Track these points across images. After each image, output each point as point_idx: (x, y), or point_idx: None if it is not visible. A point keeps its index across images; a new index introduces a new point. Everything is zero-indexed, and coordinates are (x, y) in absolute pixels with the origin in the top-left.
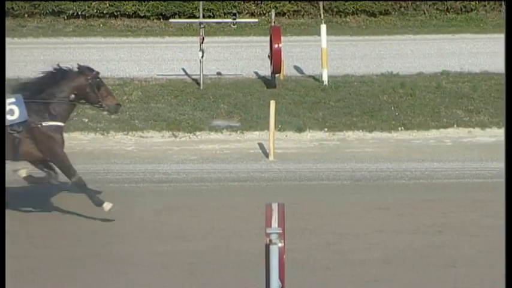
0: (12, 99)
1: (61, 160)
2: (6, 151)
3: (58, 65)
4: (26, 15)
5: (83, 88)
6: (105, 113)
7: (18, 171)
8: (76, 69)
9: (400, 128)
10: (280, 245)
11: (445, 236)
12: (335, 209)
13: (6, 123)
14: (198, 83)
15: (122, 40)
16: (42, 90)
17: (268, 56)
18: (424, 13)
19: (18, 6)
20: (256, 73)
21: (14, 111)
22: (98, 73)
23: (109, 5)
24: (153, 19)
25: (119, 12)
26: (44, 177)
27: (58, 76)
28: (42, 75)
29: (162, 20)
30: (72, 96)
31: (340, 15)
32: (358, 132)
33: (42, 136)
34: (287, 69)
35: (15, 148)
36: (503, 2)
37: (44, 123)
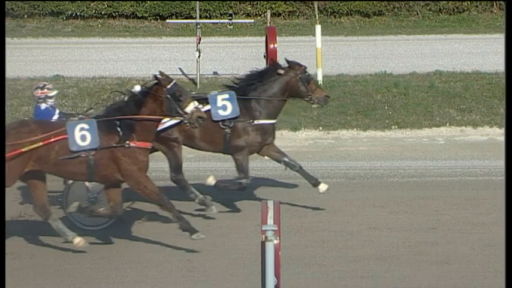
0: (226, 95)
1: (242, 159)
2: (215, 145)
3: (272, 60)
4: (25, 16)
5: (293, 83)
6: (315, 106)
7: (207, 180)
8: (285, 65)
9: (393, 127)
10: (275, 241)
11: (438, 233)
12: (330, 207)
13: (218, 118)
14: (195, 83)
15: (120, 40)
16: (254, 87)
17: (264, 56)
18: (417, 14)
19: (18, 7)
20: None
21: (226, 107)
22: (305, 67)
23: (107, 5)
24: (150, 19)
25: (117, 13)
26: (233, 183)
27: (268, 72)
28: (252, 71)
29: (159, 20)
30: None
31: (335, 16)
32: (352, 131)
33: (251, 132)
34: None
35: (226, 143)
36: (494, 3)
37: (255, 121)
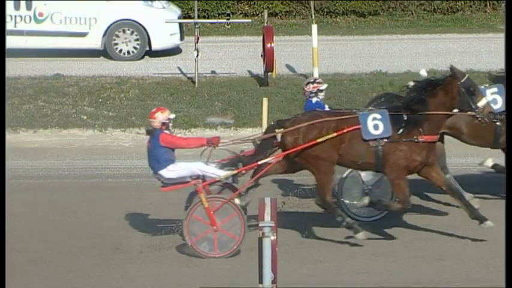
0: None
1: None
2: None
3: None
4: None
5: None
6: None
7: (485, 162)
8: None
9: None
10: (272, 238)
11: (433, 229)
12: None
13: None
14: (193, 82)
15: None
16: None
17: (261, 55)
18: (412, 13)
19: None
20: (249, 72)
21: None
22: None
23: None
24: None
25: None
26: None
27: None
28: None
29: None
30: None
31: (331, 16)
32: None
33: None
34: (279, 68)
35: (496, 137)
36: (488, 3)
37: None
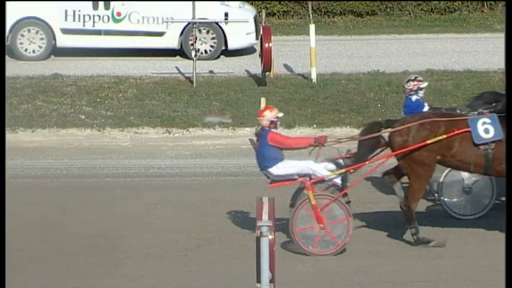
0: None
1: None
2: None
3: None
4: None
5: None
6: None
7: None
8: None
9: None
10: (270, 237)
11: (431, 228)
12: None
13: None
14: (191, 81)
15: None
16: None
17: (259, 55)
18: (409, 13)
19: None
20: (247, 71)
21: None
22: None
23: None
24: None
25: None
26: None
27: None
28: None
29: None
30: None
31: (328, 16)
32: (345, 129)
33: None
34: (277, 67)
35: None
36: (485, 3)
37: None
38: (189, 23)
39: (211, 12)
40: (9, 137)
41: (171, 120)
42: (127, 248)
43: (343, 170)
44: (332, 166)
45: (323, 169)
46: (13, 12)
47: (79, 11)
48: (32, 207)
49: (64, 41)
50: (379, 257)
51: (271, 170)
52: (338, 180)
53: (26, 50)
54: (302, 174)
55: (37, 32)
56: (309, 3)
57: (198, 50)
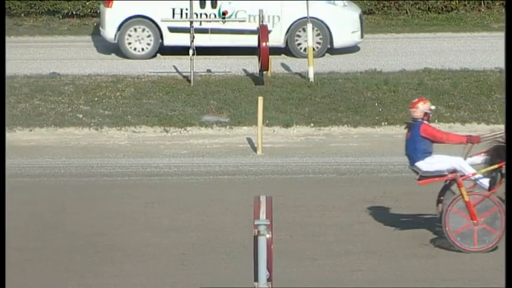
0: None
1: None
2: None
3: None
4: (22, 15)
5: None
6: None
7: None
8: None
9: (383, 123)
10: (268, 236)
11: (427, 227)
12: (321, 202)
13: None
14: (189, 80)
15: None
16: None
17: (257, 54)
18: (407, 12)
19: (15, 6)
20: (244, 70)
21: None
22: None
23: None
24: None
25: None
26: None
27: None
28: None
29: None
30: None
31: None
32: (343, 128)
33: None
34: (274, 66)
35: None
36: (482, 2)
37: None
38: (294, 22)
39: (316, 10)
40: (7, 136)
41: (169, 119)
42: (124, 246)
43: (495, 166)
44: (477, 163)
45: (470, 167)
46: (121, 11)
47: (186, 9)
48: (29, 206)
49: (171, 39)
50: (376, 256)
51: (420, 165)
52: (485, 181)
53: (135, 48)
54: (451, 170)
55: (143, 30)
56: (308, 2)
57: (302, 48)
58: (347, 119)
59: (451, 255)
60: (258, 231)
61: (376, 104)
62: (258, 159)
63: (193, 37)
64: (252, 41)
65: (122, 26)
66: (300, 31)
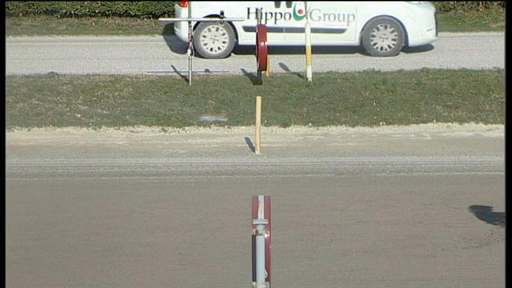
0: None
1: None
2: None
3: None
4: (20, 14)
5: None
6: None
7: None
8: None
9: (381, 123)
10: (266, 235)
11: (425, 227)
12: (319, 201)
13: None
14: (187, 80)
15: (114, 38)
16: None
17: (255, 54)
18: None
19: (13, 6)
20: (243, 70)
21: None
22: None
23: (101, 4)
24: (143, 18)
25: (110, 11)
26: None
27: None
28: None
29: (152, 18)
30: None
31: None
32: (341, 127)
33: None
34: (272, 66)
35: None
36: (480, 2)
37: None
38: (369, 21)
39: (391, 8)
40: (6, 135)
41: (167, 119)
42: (122, 246)
43: None
44: None
45: None
46: (196, 11)
47: (261, 8)
48: (27, 205)
49: (246, 38)
50: (373, 255)
51: None
52: None
53: (211, 48)
54: None
55: (217, 30)
56: (307, 3)
57: (379, 46)
58: (345, 118)
59: (449, 254)
60: (256, 231)
61: (374, 103)
62: (256, 159)
63: (192, 37)
64: (327, 40)
65: (198, 26)
66: (374, 30)
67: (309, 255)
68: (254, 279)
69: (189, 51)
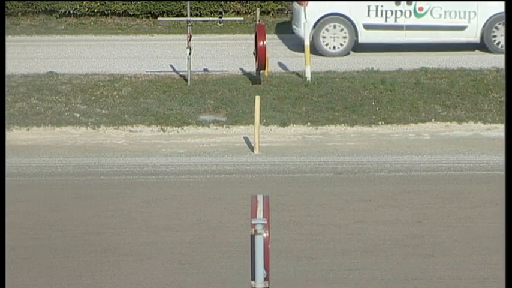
0: None
1: None
2: None
3: None
4: (19, 14)
5: None
6: None
7: None
8: None
9: (380, 123)
10: (265, 235)
11: (424, 226)
12: (318, 201)
13: None
14: (186, 79)
15: (112, 38)
16: None
17: (253, 53)
18: None
19: (12, 5)
20: (241, 70)
21: None
22: None
23: (100, 4)
24: (142, 17)
25: (109, 11)
26: None
27: None
28: None
29: (151, 18)
30: None
31: None
32: (340, 127)
33: None
34: (271, 66)
35: None
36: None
37: None
38: (490, 18)
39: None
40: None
41: (166, 118)
42: (121, 245)
43: None
44: None
45: None
46: (316, 10)
47: (381, 6)
48: (26, 205)
49: (366, 36)
50: (372, 254)
51: None
52: None
53: (332, 47)
54: None
55: (335, 27)
56: (305, 2)
57: (499, 43)
58: (344, 118)
59: (448, 254)
60: (255, 230)
61: (373, 103)
62: (255, 158)
63: (190, 36)
64: (448, 37)
65: (317, 24)
66: (495, 27)
67: (308, 254)
68: (253, 278)
69: (187, 50)
